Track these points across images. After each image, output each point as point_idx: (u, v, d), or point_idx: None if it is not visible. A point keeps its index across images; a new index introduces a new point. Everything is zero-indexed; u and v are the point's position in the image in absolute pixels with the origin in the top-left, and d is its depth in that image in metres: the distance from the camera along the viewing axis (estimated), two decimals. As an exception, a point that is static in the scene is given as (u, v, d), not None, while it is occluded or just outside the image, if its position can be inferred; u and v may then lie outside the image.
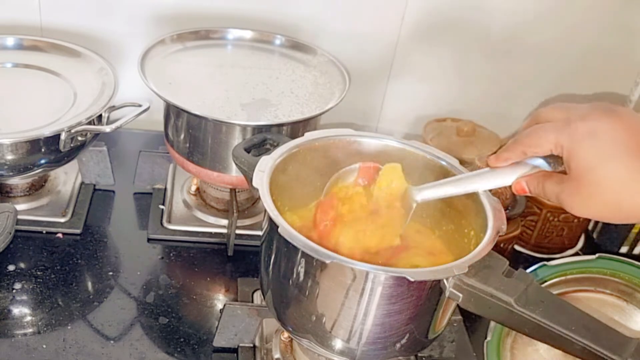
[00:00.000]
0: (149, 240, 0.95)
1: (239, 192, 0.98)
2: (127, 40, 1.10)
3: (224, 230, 0.97)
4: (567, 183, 0.55)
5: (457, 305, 0.61)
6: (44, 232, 0.94)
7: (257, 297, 0.86)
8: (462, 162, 0.72)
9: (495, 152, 0.62)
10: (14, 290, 0.85)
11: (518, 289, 0.58)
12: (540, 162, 0.60)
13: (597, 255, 0.85)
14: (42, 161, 0.89)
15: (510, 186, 0.62)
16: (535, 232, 1.02)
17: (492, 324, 0.82)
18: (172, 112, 0.92)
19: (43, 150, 0.87)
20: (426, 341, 0.68)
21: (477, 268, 0.59)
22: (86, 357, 0.77)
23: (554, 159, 0.59)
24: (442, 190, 0.66)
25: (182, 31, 1.02)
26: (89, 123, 0.89)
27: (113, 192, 1.04)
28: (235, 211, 0.92)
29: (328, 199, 0.70)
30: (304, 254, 0.61)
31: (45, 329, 0.80)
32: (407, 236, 0.72)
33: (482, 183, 0.63)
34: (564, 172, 0.57)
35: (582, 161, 0.53)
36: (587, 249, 1.06)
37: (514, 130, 1.18)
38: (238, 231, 0.94)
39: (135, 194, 1.04)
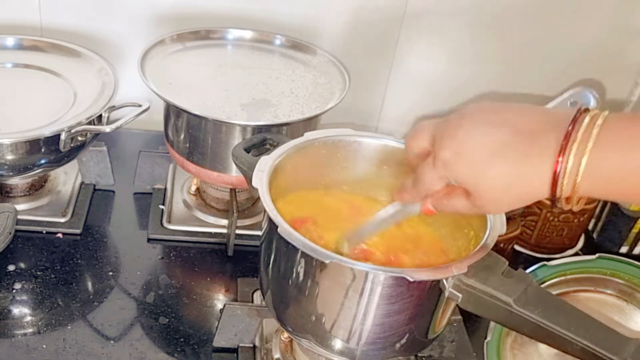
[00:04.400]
0: (149, 240, 0.95)
1: (239, 192, 0.98)
2: (127, 40, 1.10)
3: (224, 230, 0.97)
4: (471, 201, 0.55)
5: (457, 305, 0.61)
6: (44, 232, 0.94)
7: (257, 297, 0.86)
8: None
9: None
10: (14, 290, 0.85)
11: (517, 289, 0.58)
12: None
13: (597, 255, 0.85)
14: (42, 161, 0.89)
15: None
16: (535, 232, 1.02)
17: (492, 324, 0.82)
18: (172, 112, 0.92)
19: (43, 150, 0.87)
20: (426, 341, 0.68)
21: (477, 268, 0.59)
22: (86, 357, 0.77)
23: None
24: (365, 232, 0.66)
25: (182, 31, 1.02)
26: (89, 123, 0.89)
27: (113, 192, 1.04)
28: (235, 211, 0.92)
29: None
30: (304, 254, 0.61)
31: (45, 329, 0.80)
32: (407, 236, 0.72)
33: (395, 219, 0.64)
34: None
35: (467, 177, 0.54)
36: (587, 249, 1.06)
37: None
38: (238, 231, 0.94)
39: (135, 194, 1.04)
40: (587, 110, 0.50)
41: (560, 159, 0.49)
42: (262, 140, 0.76)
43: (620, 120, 0.49)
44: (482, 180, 0.53)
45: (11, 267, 0.88)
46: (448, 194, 0.57)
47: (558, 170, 0.49)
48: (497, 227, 0.63)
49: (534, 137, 0.51)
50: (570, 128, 0.49)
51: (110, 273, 0.89)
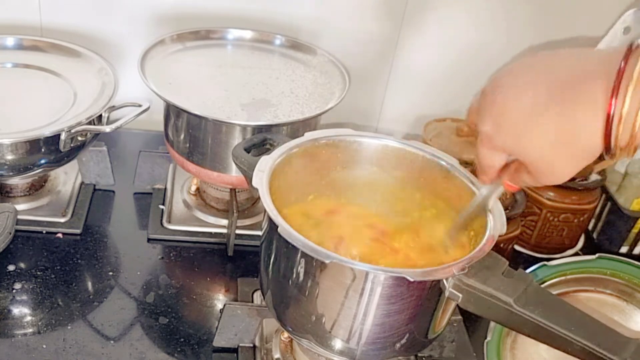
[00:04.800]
0: (149, 240, 0.95)
1: (239, 192, 0.98)
2: (127, 40, 1.10)
3: (224, 230, 0.97)
4: (531, 172, 0.54)
5: (457, 305, 0.61)
6: (44, 232, 0.94)
7: (257, 297, 0.86)
8: (462, 162, 0.72)
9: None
10: (14, 290, 0.85)
11: (517, 289, 0.58)
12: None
13: (597, 255, 0.85)
14: (42, 161, 0.89)
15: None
16: (535, 232, 1.02)
17: (492, 324, 0.82)
18: (172, 112, 0.92)
19: (43, 150, 0.87)
20: (426, 341, 0.68)
21: (477, 268, 0.59)
22: (86, 357, 0.77)
23: None
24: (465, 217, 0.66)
25: (182, 31, 1.02)
26: (89, 123, 0.89)
27: (113, 192, 1.04)
28: (235, 211, 0.92)
29: None
30: (304, 254, 0.61)
31: (45, 329, 0.80)
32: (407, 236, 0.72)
33: (492, 199, 0.64)
34: None
35: (511, 147, 0.53)
36: (587, 249, 1.06)
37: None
38: (238, 231, 0.94)
39: (135, 194, 1.04)
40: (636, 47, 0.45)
41: (613, 101, 0.44)
42: (262, 140, 0.76)
43: None
44: (528, 146, 0.51)
45: (11, 267, 0.88)
46: (518, 169, 0.57)
47: (612, 113, 0.44)
48: (497, 227, 0.63)
49: (576, 86, 0.47)
50: (622, 65, 0.44)
51: (110, 273, 0.89)
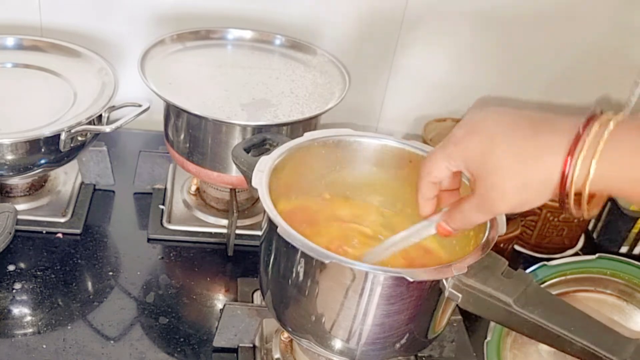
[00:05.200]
0: (149, 240, 0.95)
1: (239, 192, 0.98)
2: (127, 40, 1.10)
3: (224, 230, 0.97)
4: (477, 194, 0.54)
5: (457, 305, 0.61)
6: (44, 232, 0.94)
7: (257, 297, 0.86)
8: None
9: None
10: (14, 290, 0.85)
11: (517, 289, 0.58)
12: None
13: (597, 255, 0.85)
14: (42, 161, 0.89)
15: None
16: (535, 232, 1.02)
17: (492, 324, 0.82)
18: (172, 112, 0.92)
19: (43, 150, 0.87)
20: (426, 341, 0.68)
21: (477, 268, 0.59)
22: (86, 357, 0.77)
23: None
24: (387, 253, 0.65)
25: (182, 31, 1.02)
26: (89, 123, 0.89)
27: (113, 192, 1.04)
28: (235, 211, 0.92)
29: None
30: (303, 254, 0.61)
31: (45, 329, 0.80)
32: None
33: (412, 240, 0.63)
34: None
35: (474, 156, 0.53)
36: (587, 249, 1.06)
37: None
38: (238, 231, 0.94)
39: (135, 194, 1.04)
40: (600, 114, 0.49)
41: (569, 159, 0.48)
42: (262, 140, 0.76)
43: (631, 126, 0.48)
44: (489, 157, 0.52)
45: (11, 267, 0.88)
46: (457, 204, 0.57)
47: (566, 170, 0.48)
48: (497, 227, 0.63)
49: (545, 128, 0.50)
50: (580, 131, 0.48)
51: (110, 273, 0.89)
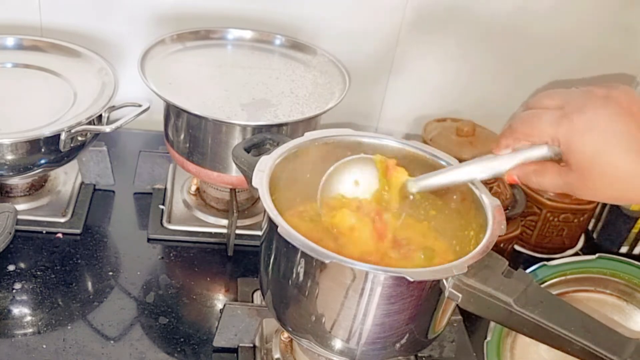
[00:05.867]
0: (149, 240, 0.95)
1: (239, 192, 0.98)
2: (127, 40, 1.10)
3: (224, 230, 0.97)
4: (569, 175, 0.54)
5: (457, 305, 0.61)
6: (44, 232, 0.94)
7: (257, 297, 0.86)
8: (462, 162, 0.72)
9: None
10: (14, 290, 0.85)
11: (517, 289, 0.58)
12: (540, 152, 0.58)
13: (597, 255, 0.85)
14: (42, 161, 0.89)
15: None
16: (535, 232, 1.02)
17: (492, 324, 0.82)
18: (172, 112, 0.92)
19: (43, 150, 0.87)
20: (426, 341, 0.68)
21: (477, 268, 0.59)
22: (86, 357, 0.77)
23: (553, 148, 0.58)
24: (438, 180, 0.65)
25: (182, 31, 1.02)
26: (89, 123, 0.89)
27: (113, 192, 1.04)
28: (235, 211, 0.92)
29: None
30: (303, 254, 0.61)
31: (45, 329, 0.80)
32: (406, 236, 0.72)
33: (478, 170, 0.62)
34: (560, 161, 0.57)
35: (583, 155, 0.53)
36: (587, 249, 1.06)
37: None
38: (238, 231, 0.94)
39: (135, 194, 1.04)
40: None
41: None
42: (262, 140, 0.76)
43: None
44: (600, 162, 0.51)
45: (11, 267, 0.88)
46: (537, 171, 0.56)
47: None
48: (497, 227, 0.63)
49: None
50: None
51: (110, 273, 0.89)
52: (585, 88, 0.55)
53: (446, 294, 0.60)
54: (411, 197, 0.68)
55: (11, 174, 0.90)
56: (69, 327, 0.81)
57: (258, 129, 0.87)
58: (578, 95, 0.55)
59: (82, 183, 1.02)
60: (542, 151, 0.58)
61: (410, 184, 0.68)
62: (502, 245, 0.94)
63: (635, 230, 1.04)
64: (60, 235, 0.94)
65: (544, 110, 0.57)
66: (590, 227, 1.09)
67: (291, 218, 0.71)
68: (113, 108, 0.94)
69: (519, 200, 0.94)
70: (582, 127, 0.52)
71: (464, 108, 1.18)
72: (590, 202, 1.00)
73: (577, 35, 1.14)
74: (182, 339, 0.81)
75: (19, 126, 0.87)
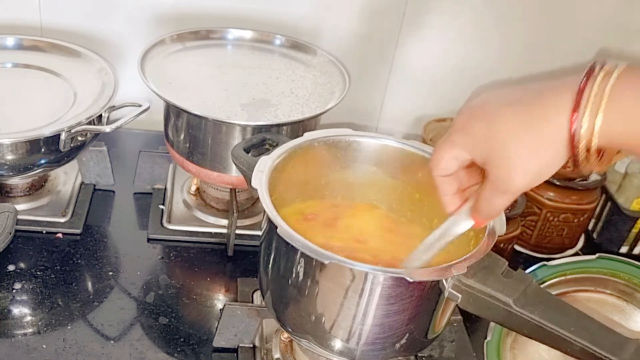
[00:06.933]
0: (149, 240, 0.95)
1: (239, 192, 0.98)
2: (127, 40, 1.10)
3: (224, 230, 0.97)
4: (492, 178, 0.53)
5: (457, 305, 0.61)
6: (44, 232, 0.94)
7: (257, 297, 0.86)
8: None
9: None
10: (14, 290, 0.85)
11: (517, 289, 0.58)
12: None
13: (597, 255, 0.85)
14: (42, 161, 0.89)
15: None
16: (535, 232, 1.02)
17: (492, 324, 0.82)
18: (172, 112, 0.92)
19: (43, 150, 0.87)
20: (426, 341, 0.68)
21: (476, 268, 0.59)
22: (86, 357, 0.78)
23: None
24: (428, 255, 0.62)
25: (182, 31, 1.02)
26: (89, 123, 0.89)
27: (113, 192, 1.04)
28: (235, 211, 0.92)
29: None
30: (303, 255, 0.61)
31: (45, 329, 0.80)
32: (406, 235, 0.72)
33: (450, 234, 0.60)
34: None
35: (478, 132, 0.52)
36: (587, 249, 1.06)
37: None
38: (238, 231, 0.94)
39: (135, 194, 1.04)
40: (602, 66, 0.47)
41: (575, 115, 0.46)
42: (261, 140, 0.76)
43: (636, 76, 0.46)
44: (495, 135, 0.50)
45: (11, 267, 0.88)
46: (478, 194, 0.56)
47: (573, 128, 0.47)
48: (497, 227, 0.63)
49: (546, 92, 0.49)
50: (582, 84, 0.47)
51: (110, 273, 0.89)
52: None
53: (446, 294, 0.60)
54: None
55: (11, 174, 0.90)
56: (69, 327, 0.81)
57: (258, 129, 0.87)
58: (462, 107, 0.55)
59: (82, 183, 1.02)
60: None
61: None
62: (502, 245, 0.94)
63: (635, 230, 1.04)
64: (60, 235, 0.94)
65: (440, 147, 0.56)
66: (590, 227, 1.09)
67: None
68: (113, 108, 0.94)
69: (518, 200, 0.94)
70: (467, 121, 0.53)
71: (464, 108, 1.17)
72: (590, 202, 1.00)
73: (576, 35, 1.14)
74: (182, 339, 0.81)
75: (19, 126, 0.87)
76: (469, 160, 0.55)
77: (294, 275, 0.63)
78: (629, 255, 1.04)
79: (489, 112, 0.51)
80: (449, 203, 0.59)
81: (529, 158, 0.50)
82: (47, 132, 0.86)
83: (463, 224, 0.59)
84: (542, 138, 0.49)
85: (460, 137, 0.54)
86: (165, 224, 0.97)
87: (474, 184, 0.58)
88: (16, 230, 0.90)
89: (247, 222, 0.99)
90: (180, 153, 0.94)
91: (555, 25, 1.13)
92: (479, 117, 0.52)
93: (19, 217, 0.92)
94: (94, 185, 1.03)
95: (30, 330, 0.80)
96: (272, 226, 0.62)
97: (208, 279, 0.91)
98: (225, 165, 0.91)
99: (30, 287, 0.86)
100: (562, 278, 0.85)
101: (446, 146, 0.55)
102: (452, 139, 0.54)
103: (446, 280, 0.60)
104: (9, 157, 0.86)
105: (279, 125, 0.88)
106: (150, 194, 1.02)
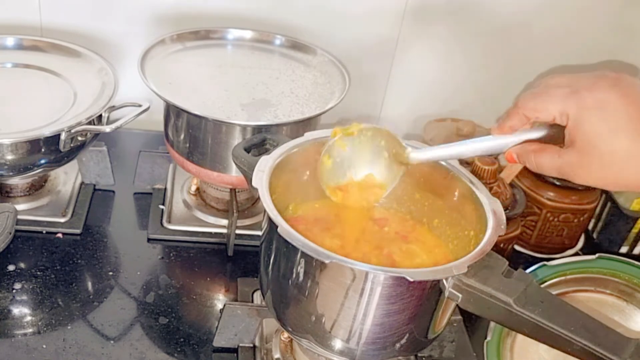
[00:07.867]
0: (149, 240, 0.95)
1: (239, 192, 0.98)
2: (127, 40, 1.10)
3: (224, 230, 0.97)
4: (569, 155, 0.54)
5: (457, 305, 0.61)
6: (44, 232, 0.94)
7: (257, 297, 0.86)
8: (462, 162, 0.72)
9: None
10: (14, 290, 0.85)
11: (517, 289, 0.58)
12: (540, 133, 0.58)
13: (597, 255, 0.85)
14: (42, 161, 0.89)
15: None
16: (535, 232, 1.02)
17: (492, 324, 0.82)
18: (172, 112, 0.92)
19: (43, 150, 0.87)
20: (426, 341, 0.68)
21: (477, 268, 0.59)
22: (86, 357, 0.77)
23: (555, 128, 0.57)
24: (437, 153, 0.64)
25: (182, 31, 1.02)
26: (89, 123, 0.89)
27: (113, 192, 1.04)
28: (235, 211, 0.92)
29: None
30: (303, 254, 0.61)
31: (45, 329, 0.80)
32: (406, 235, 0.72)
33: (479, 147, 0.61)
34: (556, 143, 0.57)
35: (589, 133, 0.52)
36: (587, 249, 1.06)
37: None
38: (238, 231, 0.94)
39: (135, 194, 1.04)
40: None
41: None
42: (262, 140, 0.76)
43: None
44: (605, 142, 0.51)
45: (11, 267, 0.88)
46: (537, 150, 0.56)
47: None
48: (497, 227, 0.63)
49: None
50: None
51: (110, 273, 0.89)
52: (595, 71, 0.55)
53: (446, 294, 0.60)
54: (407, 166, 0.67)
55: (11, 174, 0.90)
56: (69, 327, 0.81)
57: (258, 129, 0.87)
58: (587, 76, 0.54)
59: (82, 183, 1.02)
60: (541, 132, 0.58)
61: (410, 154, 0.66)
62: (502, 245, 0.94)
63: (635, 230, 1.04)
64: (60, 235, 0.94)
65: (553, 87, 0.56)
66: (590, 227, 1.09)
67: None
68: (113, 108, 0.94)
69: (519, 200, 0.94)
70: (592, 105, 0.52)
71: (464, 108, 1.18)
72: (590, 202, 1.01)
73: (576, 36, 1.14)
74: (182, 339, 0.81)
75: (19, 126, 0.87)
76: (562, 122, 0.54)
77: (294, 274, 0.63)
78: (629, 255, 1.04)
79: (620, 115, 0.51)
80: (501, 129, 0.59)
81: (617, 176, 0.51)
82: (47, 132, 0.86)
83: (497, 144, 0.59)
84: None
85: (588, 98, 0.52)
86: (165, 224, 0.97)
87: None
88: (16, 230, 0.90)
89: (247, 222, 0.99)
90: (180, 153, 0.94)
91: (555, 25, 1.13)
92: (628, 101, 0.51)
93: (19, 217, 0.92)
94: (94, 185, 1.03)
95: (30, 330, 0.80)
96: (272, 226, 0.62)
97: (208, 279, 0.91)
98: (225, 165, 0.91)
99: (30, 287, 0.86)
100: (562, 278, 0.85)
101: (545, 101, 0.54)
102: (559, 91, 0.53)
103: (446, 279, 0.60)
104: (9, 157, 0.86)
105: (279, 125, 0.88)
106: (150, 194, 1.02)
